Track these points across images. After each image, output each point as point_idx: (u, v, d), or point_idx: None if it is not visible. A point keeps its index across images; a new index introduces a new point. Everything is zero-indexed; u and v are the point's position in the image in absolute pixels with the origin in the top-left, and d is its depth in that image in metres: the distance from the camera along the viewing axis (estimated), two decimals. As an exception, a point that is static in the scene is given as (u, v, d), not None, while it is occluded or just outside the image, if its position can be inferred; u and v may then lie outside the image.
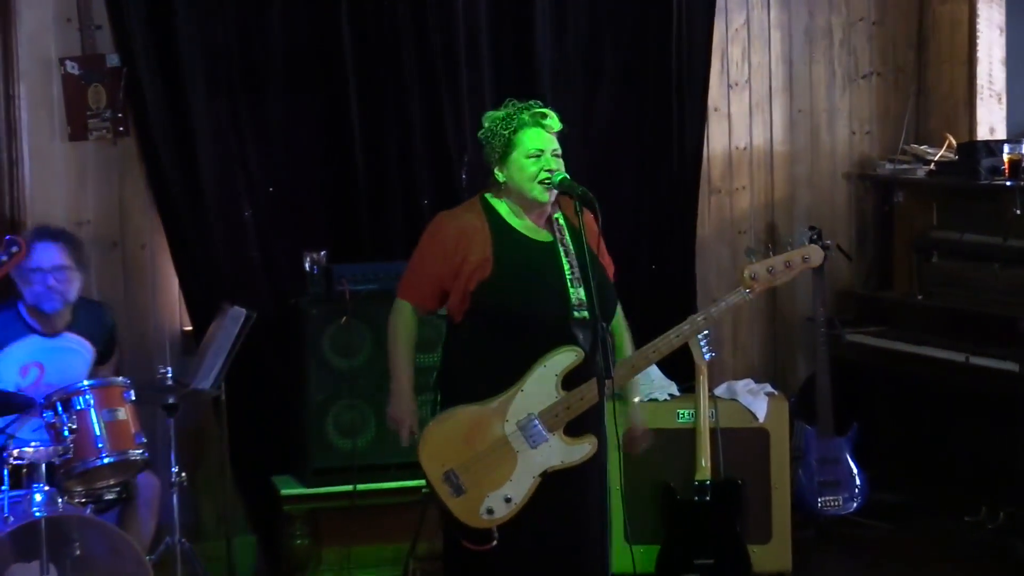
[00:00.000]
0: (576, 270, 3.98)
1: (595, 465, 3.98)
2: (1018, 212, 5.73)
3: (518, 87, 5.39)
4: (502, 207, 4.01)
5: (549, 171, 3.94)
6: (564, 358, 3.88)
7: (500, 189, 4.03)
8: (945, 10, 6.53)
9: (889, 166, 6.48)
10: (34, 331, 4.94)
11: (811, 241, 5.94)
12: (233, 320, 5.01)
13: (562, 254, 4.01)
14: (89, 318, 5.09)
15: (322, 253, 5.44)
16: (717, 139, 6.34)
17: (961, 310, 5.98)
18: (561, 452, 3.91)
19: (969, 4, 6.38)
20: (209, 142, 5.47)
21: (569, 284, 3.97)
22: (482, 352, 3.99)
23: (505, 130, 3.99)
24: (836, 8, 6.48)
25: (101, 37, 5.37)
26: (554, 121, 4.01)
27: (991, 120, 6.43)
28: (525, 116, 3.99)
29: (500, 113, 4.04)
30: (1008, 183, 5.83)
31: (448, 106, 5.71)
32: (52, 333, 4.96)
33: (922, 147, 6.48)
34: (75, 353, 5.01)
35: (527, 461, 3.92)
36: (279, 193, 5.62)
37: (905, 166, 6.45)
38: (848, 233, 6.51)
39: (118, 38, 5.35)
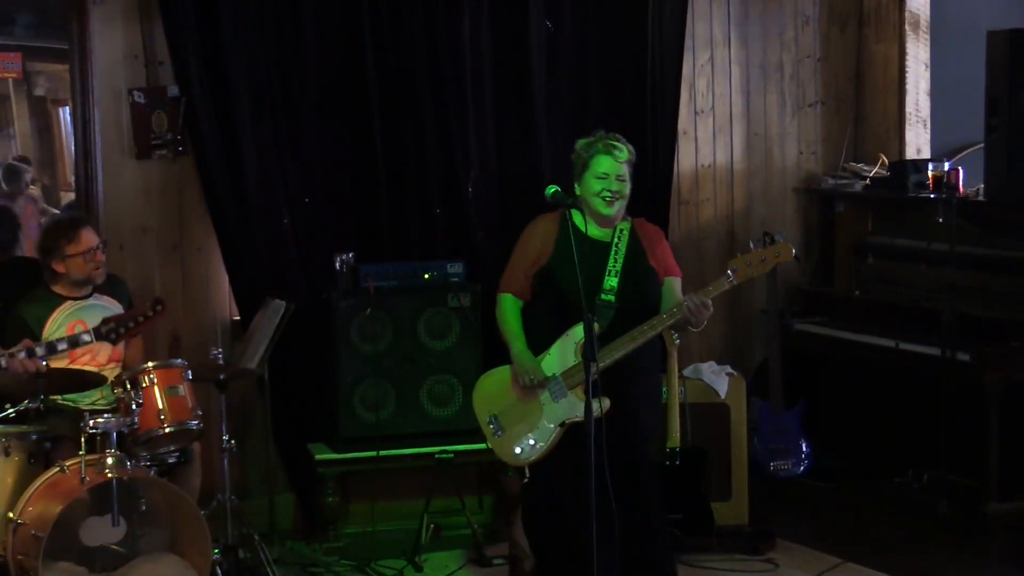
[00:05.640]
0: (619, 265, 4.29)
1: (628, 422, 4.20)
2: (940, 220, 5.99)
3: (516, 116, 5.91)
4: (578, 217, 4.29)
5: (610, 191, 4.31)
6: (581, 330, 4.16)
7: (581, 201, 4.36)
8: (879, 49, 6.75)
9: (831, 181, 6.67)
10: (67, 299, 5.08)
11: (765, 245, 6.34)
12: (274, 311, 5.19)
13: (613, 252, 4.32)
14: (111, 285, 5.19)
15: (350, 254, 5.57)
16: (686, 158, 6.50)
17: (892, 303, 6.19)
18: (578, 407, 4.18)
19: (899, 44, 6.63)
20: (254, 160, 5.62)
21: (607, 273, 4.29)
22: (536, 322, 4.39)
23: (585, 153, 4.38)
24: (787, 47, 6.68)
25: (164, 71, 5.58)
26: (623, 153, 4.36)
27: (918, 142, 6.70)
28: (600, 145, 4.36)
29: (586, 141, 4.43)
30: (932, 196, 6.10)
31: (456, 130, 5.87)
32: (82, 297, 5.12)
33: (859, 165, 6.67)
34: (107, 310, 5.08)
35: (551, 412, 4.27)
36: (314, 204, 5.77)
37: (845, 181, 6.62)
38: (796, 238, 6.64)
39: (178, 72, 5.54)
